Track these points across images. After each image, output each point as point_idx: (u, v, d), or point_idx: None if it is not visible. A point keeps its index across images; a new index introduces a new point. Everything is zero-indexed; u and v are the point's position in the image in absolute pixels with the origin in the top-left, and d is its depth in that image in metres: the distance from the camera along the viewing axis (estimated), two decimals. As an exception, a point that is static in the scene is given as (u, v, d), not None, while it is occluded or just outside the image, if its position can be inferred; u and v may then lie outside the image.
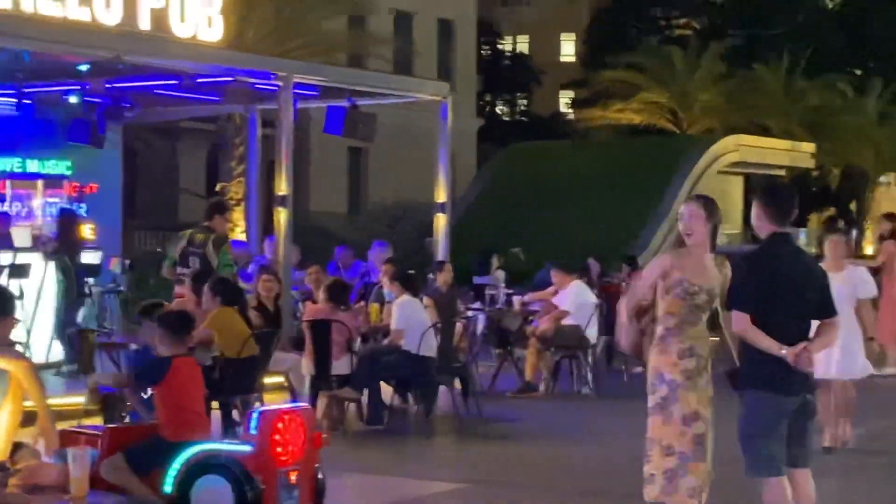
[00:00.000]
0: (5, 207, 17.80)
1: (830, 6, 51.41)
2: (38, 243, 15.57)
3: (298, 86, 15.74)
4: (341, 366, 12.03)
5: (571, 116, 51.44)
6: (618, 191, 25.73)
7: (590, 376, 14.65)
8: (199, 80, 15.47)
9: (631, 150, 28.77)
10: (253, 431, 7.04)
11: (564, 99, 60.23)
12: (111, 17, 13.26)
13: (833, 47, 43.44)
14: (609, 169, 26.76)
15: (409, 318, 12.11)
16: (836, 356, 10.00)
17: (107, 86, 15.60)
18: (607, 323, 16.00)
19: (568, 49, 64.68)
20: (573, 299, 14.46)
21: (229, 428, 10.35)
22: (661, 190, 25.22)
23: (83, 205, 18.46)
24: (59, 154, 18.24)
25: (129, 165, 38.67)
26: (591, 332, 14.59)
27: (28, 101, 17.29)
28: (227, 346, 10.75)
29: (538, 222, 25.03)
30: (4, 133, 17.89)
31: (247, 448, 7.03)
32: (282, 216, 14.83)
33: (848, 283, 10.34)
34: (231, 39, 20.94)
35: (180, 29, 13.97)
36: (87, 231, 16.85)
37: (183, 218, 36.32)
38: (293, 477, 7.15)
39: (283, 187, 14.82)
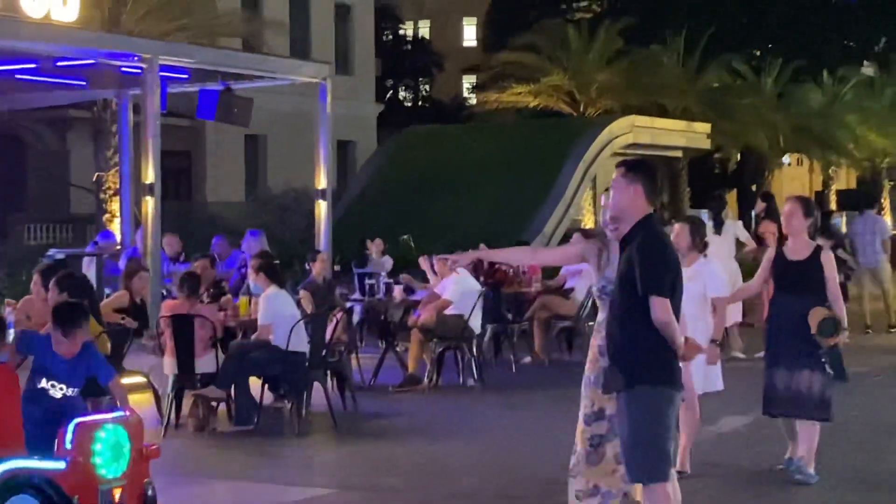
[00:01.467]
0: None
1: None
2: None
3: (169, 69, 14.97)
4: (206, 363, 11.37)
5: (473, 101, 51.01)
6: (511, 175, 25.21)
7: (475, 367, 14.06)
8: (60, 64, 14.61)
9: (525, 134, 28.25)
10: (68, 446, 6.32)
11: (466, 84, 59.79)
12: (-47, -5, 12.39)
13: (732, 27, 43.36)
14: (503, 153, 26.22)
15: (276, 312, 11.43)
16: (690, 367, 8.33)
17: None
18: (495, 311, 15.51)
19: (470, 33, 64.27)
20: (455, 288, 13.86)
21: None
22: (555, 174, 24.73)
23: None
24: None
25: (17, 156, 37.73)
26: (476, 322, 14.01)
27: None
28: (75, 346, 9.98)
29: (431, 208, 24.43)
30: None
31: (60, 465, 6.31)
32: (149, 205, 14.06)
33: (697, 280, 8.66)
34: (104, 20, 20.13)
35: (32, 8, 13.08)
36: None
37: (75, 210, 35.27)
38: (117, 494, 6.45)
39: (149, 175, 14.04)
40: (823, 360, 8.66)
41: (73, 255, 15.13)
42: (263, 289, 11.59)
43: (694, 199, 37.78)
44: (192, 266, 14.19)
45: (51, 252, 14.95)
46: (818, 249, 8.83)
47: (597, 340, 6.97)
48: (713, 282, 9.04)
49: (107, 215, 20.46)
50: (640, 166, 6.60)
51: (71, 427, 6.35)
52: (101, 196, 20.77)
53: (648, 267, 6.20)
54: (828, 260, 8.81)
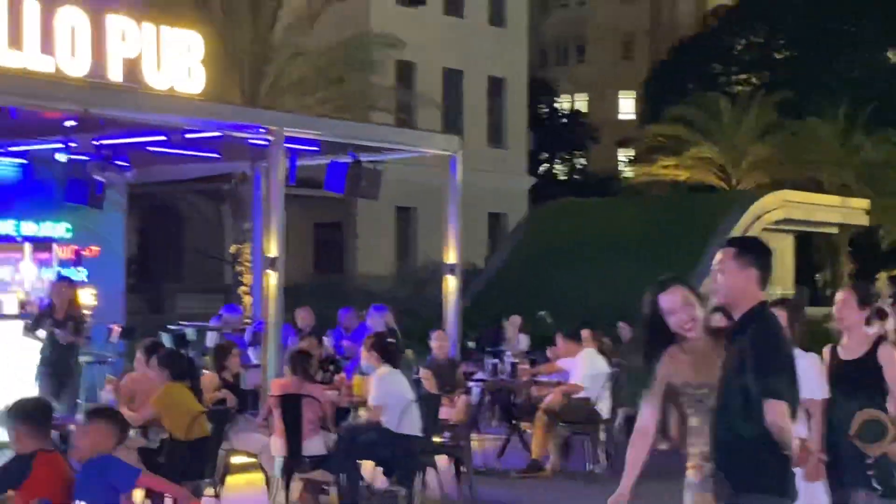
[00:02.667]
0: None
1: (894, 60, 49.76)
2: (24, 311, 14.79)
3: (298, 141, 14.78)
4: (314, 445, 10.93)
5: (627, 174, 50.34)
6: (656, 250, 24.43)
7: (603, 454, 13.35)
8: (189, 136, 14.52)
9: (671, 208, 27.45)
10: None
11: (622, 157, 59.21)
12: (77, 67, 12.33)
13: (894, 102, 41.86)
14: (647, 227, 25.48)
15: (388, 393, 10.95)
16: None
17: (94, 143, 14.69)
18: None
19: (627, 106, 63.75)
20: (584, 371, 13.23)
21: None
22: (701, 249, 23.86)
23: (82, 268, 17.53)
24: (57, 216, 17.31)
25: (175, 228, 38.58)
26: (604, 405, 13.34)
27: (24, 161, 16.62)
28: (175, 426, 9.71)
29: (571, 283, 23.80)
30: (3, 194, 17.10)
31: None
32: (271, 279, 13.74)
33: None
34: (241, 94, 20.19)
35: (156, 80, 13.01)
36: (87, 297, 15.94)
37: (228, 280, 35.70)
38: None
39: (272, 249, 13.76)
40: (869, 471, 7.40)
41: (198, 328, 14.96)
42: (375, 368, 11.15)
43: (858, 276, 36.35)
44: (299, 344, 13.83)
45: (175, 325, 14.79)
46: (877, 343, 7.60)
47: (698, 447, 6.22)
48: (806, 381, 8.02)
49: (242, 287, 20.38)
50: (754, 247, 5.94)
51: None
52: (237, 268, 20.71)
53: (763, 365, 5.53)
54: (887, 355, 7.56)
